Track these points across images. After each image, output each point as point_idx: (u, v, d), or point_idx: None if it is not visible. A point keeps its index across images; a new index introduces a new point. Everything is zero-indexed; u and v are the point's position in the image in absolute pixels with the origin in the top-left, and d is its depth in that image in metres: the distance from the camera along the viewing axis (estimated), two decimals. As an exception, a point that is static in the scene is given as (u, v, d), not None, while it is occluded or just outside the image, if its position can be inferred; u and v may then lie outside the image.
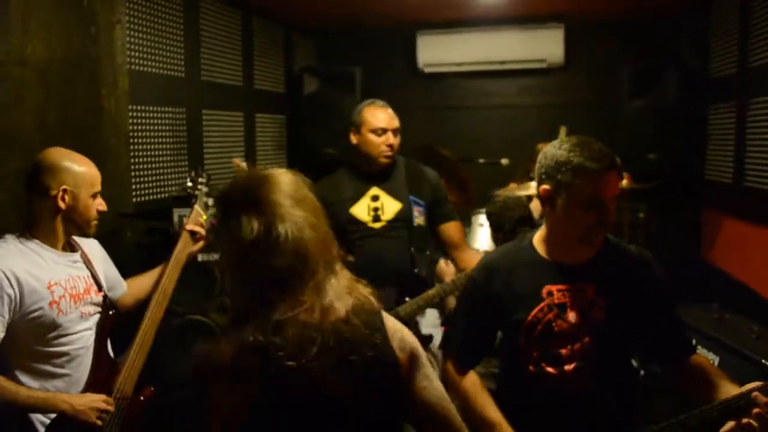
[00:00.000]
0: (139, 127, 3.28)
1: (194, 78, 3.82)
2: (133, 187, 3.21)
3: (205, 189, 2.55)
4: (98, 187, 2.16)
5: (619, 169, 1.82)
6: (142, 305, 2.36)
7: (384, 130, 2.82)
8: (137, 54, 3.24)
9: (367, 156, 2.85)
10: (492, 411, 1.88)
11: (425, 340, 2.79)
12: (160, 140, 3.46)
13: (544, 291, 1.88)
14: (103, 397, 2.09)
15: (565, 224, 1.86)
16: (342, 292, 1.37)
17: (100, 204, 2.17)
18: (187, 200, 2.59)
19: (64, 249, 2.15)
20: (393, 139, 2.84)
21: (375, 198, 2.85)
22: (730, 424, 1.59)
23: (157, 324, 2.30)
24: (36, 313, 2.00)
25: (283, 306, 1.27)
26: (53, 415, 2.03)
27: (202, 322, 3.17)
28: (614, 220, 1.86)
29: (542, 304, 1.87)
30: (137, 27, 3.23)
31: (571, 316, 1.85)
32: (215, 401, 1.26)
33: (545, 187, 1.86)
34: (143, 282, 2.43)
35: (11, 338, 1.97)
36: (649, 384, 3.33)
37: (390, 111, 2.89)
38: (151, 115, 3.39)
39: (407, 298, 2.74)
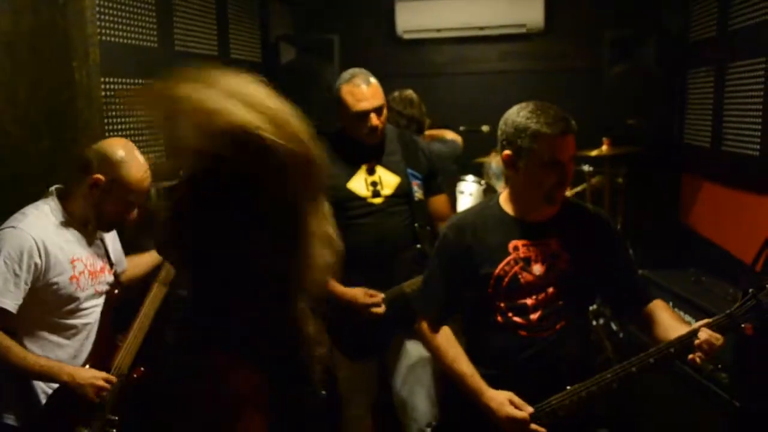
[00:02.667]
0: (113, 100, 3.21)
1: (168, 48, 3.73)
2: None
3: None
4: (135, 198, 2.19)
5: (574, 132, 1.96)
6: (140, 284, 2.43)
7: (364, 113, 2.61)
8: (108, 24, 3.16)
9: (353, 136, 2.71)
10: (463, 363, 2.05)
11: None
12: (134, 113, 3.39)
13: (511, 245, 2.04)
14: (104, 374, 2.15)
15: (527, 185, 2.02)
16: None
17: (131, 213, 2.21)
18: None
19: (87, 226, 2.21)
20: (376, 120, 2.64)
21: (371, 171, 2.72)
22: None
23: (156, 306, 2.37)
24: (56, 286, 2.07)
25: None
26: (56, 386, 2.09)
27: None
28: (571, 180, 2.04)
29: (509, 258, 2.03)
30: (107, -4, 3.15)
31: (536, 268, 2.02)
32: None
33: (507, 152, 2.01)
34: (141, 261, 2.50)
35: (26, 305, 2.01)
36: (628, 347, 3.39)
37: (371, 86, 2.65)
38: (125, 87, 3.31)
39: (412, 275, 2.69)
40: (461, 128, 4.67)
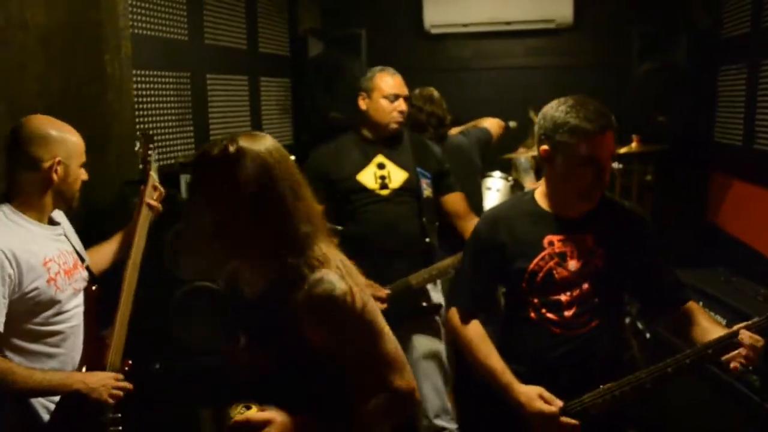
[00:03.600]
0: (144, 92, 3.25)
1: (198, 41, 3.77)
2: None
3: (155, 155, 2.46)
4: (84, 157, 2.08)
5: (615, 129, 1.90)
6: (110, 276, 2.26)
7: (396, 96, 2.81)
8: (140, 18, 3.20)
9: (377, 123, 2.83)
10: (495, 359, 1.99)
11: (435, 309, 2.79)
12: (165, 105, 3.44)
13: (546, 240, 1.99)
14: (112, 374, 2.04)
15: (564, 181, 1.96)
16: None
17: (83, 174, 2.09)
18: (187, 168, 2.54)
19: (48, 223, 2.06)
20: (404, 106, 2.84)
21: (381, 166, 2.82)
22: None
23: (132, 296, 2.19)
24: (34, 292, 1.92)
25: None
26: (56, 398, 1.96)
27: (210, 288, 3.19)
28: (609, 178, 1.96)
29: (543, 253, 1.98)
30: (139, -10, 3.19)
31: (571, 264, 1.97)
32: None
33: (545, 147, 1.95)
34: (104, 251, 2.32)
35: (8, 321, 1.87)
36: (654, 346, 3.36)
37: (401, 78, 2.88)
38: (156, 79, 3.36)
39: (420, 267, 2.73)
40: (488, 124, 4.65)
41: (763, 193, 3.79)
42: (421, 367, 2.76)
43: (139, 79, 3.20)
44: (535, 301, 1.99)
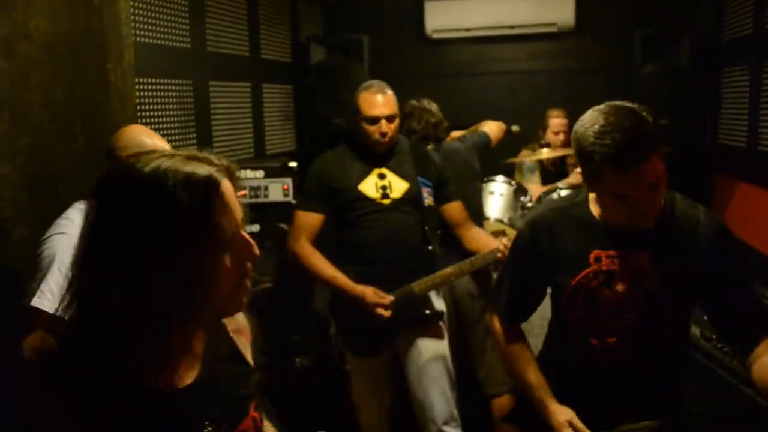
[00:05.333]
0: (147, 100, 3.26)
1: (200, 49, 3.78)
2: (142, 161, 3.21)
3: None
4: None
5: (652, 154, 1.60)
6: None
7: (376, 119, 2.76)
8: (142, 26, 3.21)
9: (366, 141, 2.83)
10: (533, 373, 1.88)
11: (437, 316, 2.79)
12: (168, 113, 3.44)
13: (592, 256, 1.76)
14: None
15: (606, 206, 1.75)
16: None
17: None
18: None
19: None
20: (386, 127, 2.76)
21: (382, 176, 2.82)
22: None
23: None
24: None
25: None
26: None
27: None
28: (652, 206, 1.68)
29: (588, 270, 1.76)
30: (141, -2, 3.20)
31: (619, 286, 1.74)
32: None
33: (580, 170, 1.74)
34: None
35: None
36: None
37: (386, 96, 2.79)
38: (158, 87, 3.36)
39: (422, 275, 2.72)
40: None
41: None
42: (428, 372, 2.75)
43: (141, 87, 3.21)
44: (577, 321, 1.82)
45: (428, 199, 2.85)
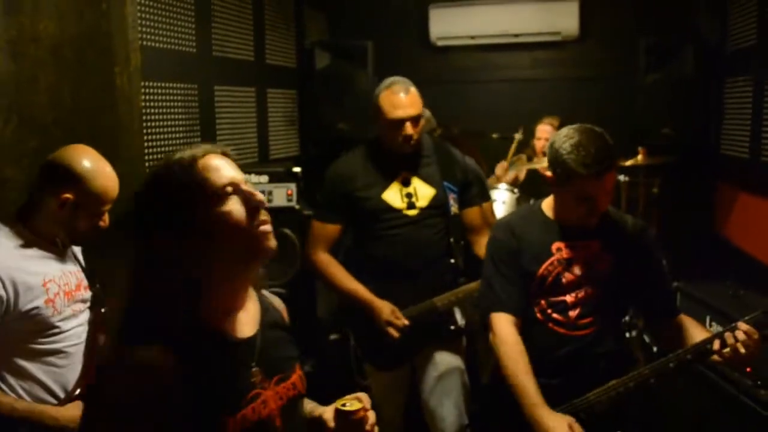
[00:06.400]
0: (152, 104, 3.27)
1: (206, 53, 3.79)
2: (147, 165, 3.21)
3: None
4: (106, 206, 2.05)
5: (615, 168, 2.04)
6: None
7: (401, 122, 2.58)
8: (148, 30, 3.22)
9: (389, 144, 2.69)
10: (523, 375, 2.02)
11: (460, 331, 2.77)
12: (172, 117, 3.45)
13: (554, 247, 2.13)
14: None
15: (564, 206, 2.14)
16: None
17: (101, 221, 2.06)
18: None
19: (55, 243, 2.05)
20: (411, 129, 2.60)
21: (406, 182, 2.68)
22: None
23: None
24: (32, 312, 1.91)
25: None
26: None
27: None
28: (605, 207, 2.11)
29: (552, 259, 2.12)
30: (148, 2, 3.21)
31: (577, 268, 2.11)
32: None
33: (549, 173, 2.11)
34: None
35: (3, 341, 1.88)
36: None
37: (410, 95, 2.61)
38: (164, 91, 3.37)
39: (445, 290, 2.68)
40: (494, 136, 4.67)
41: (771, 205, 3.78)
42: (443, 383, 2.72)
43: (147, 90, 3.22)
44: (542, 302, 2.13)
45: (454, 207, 2.74)
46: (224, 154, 1.31)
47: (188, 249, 1.21)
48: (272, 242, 1.28)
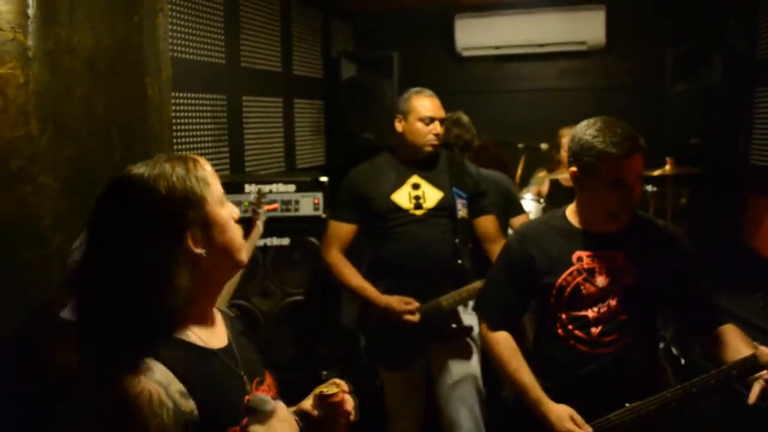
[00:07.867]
0: (182, 115, 3.33)
1: (234, 64, 3.85)
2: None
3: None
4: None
5: (643, 150, 1.92)
6: None
7: (432, 119, 2.82)
8: (179, 41, 3.29)
9: (412, 144, 2.85)
10: (525, 374, 2.02)
11: (466, 331, 2.78)
12: (201, 127, 3.51)
13: (574, 256, 2.02)
14: None
15: (592, 202, 2.00)
16: None
17: None
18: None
19: None
20: (440, 128, 2.84)
21: (416, 186, 2.83)
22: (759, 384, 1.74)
23: None
24: None
25: None
26: None
27: (244, 307, 3.23)
28: (638, 198, 1.97)
29: (572, 269, 2.00)
30: (179, 14, 3.28)
31: (600, 280, 1.98)
32: None
33: (573, 169, 2.00)
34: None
35: None
36: (689, 372, 3.29)
37: (437, 101, 2.88)
38: (193, 102, 3.44)
39: (450, 289, 2.72)
40: (519, 146, 4.65)
41: (802, 216, 3.72)
42: (458, 391, 2.74)
43: (177, 101, 3.28)
44: (563, 316, 2.02)
45: (462, 211, 2.84)
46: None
47: (176, 260, 1.22)
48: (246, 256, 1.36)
